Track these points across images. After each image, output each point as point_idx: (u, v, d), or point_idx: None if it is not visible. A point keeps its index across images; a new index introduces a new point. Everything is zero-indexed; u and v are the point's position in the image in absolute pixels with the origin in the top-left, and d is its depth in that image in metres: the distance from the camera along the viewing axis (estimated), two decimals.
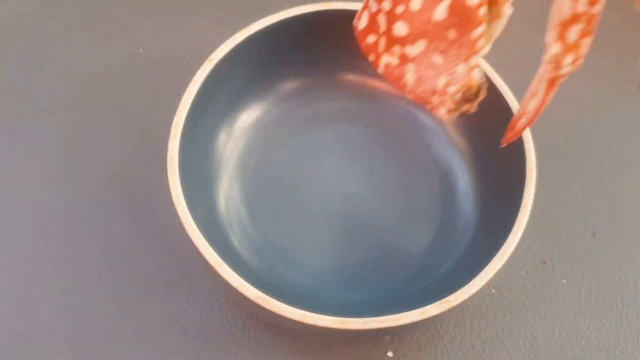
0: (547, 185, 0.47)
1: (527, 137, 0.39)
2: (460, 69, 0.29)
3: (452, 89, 0.29)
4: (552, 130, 0.50)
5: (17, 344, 0.39)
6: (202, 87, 0.40)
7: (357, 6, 0.43)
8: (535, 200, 0.36)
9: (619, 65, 0.55)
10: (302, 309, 0.32)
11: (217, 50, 0.41)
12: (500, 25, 0.28)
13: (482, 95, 0.30)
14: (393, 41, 0.30)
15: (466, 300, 0.33)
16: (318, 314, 0.32)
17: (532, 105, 0.29)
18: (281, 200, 0.44)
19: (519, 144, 0.39)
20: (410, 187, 0.44)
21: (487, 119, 0.42)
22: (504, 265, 0.35)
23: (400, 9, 0.29)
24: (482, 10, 0.26)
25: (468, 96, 0.29)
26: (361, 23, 0.32)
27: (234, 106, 0.45)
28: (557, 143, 0.50)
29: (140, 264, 0.42)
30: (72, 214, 0.44)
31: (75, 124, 0.48)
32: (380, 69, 0.32)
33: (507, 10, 0.27)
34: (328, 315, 0.32)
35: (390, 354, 0.40)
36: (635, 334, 0.41)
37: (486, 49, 0.29)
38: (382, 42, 0.31)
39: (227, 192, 0.43)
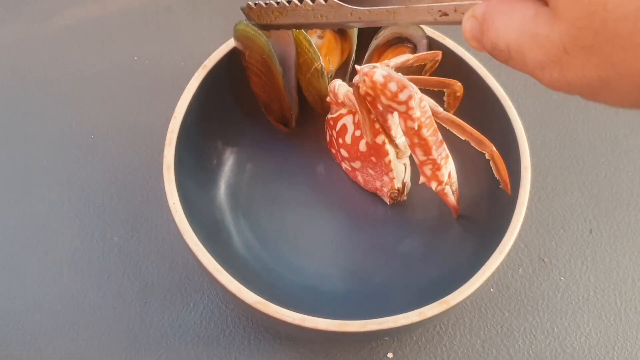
0: (543, 184, 0.47)
1: (522, 136, 0.39)
2: (385, 178, 0.41)
3: (385, 189, 0.42)
4: (547, 129, 0.50)
5: (18, 350, 0.39)
6: (196, 94, 0.40)
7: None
8: (531, 198, 0.36)
9: None
10: (301, 313, 0.32)
11: (211, 57, 0.41)
12: (404, 147, 0.40)
13: (407, 191, 0.43)
14: (342, 158, 0.43)
15: (464, 300, 0.33)
16: (317, 317, 0.32)
17: (452, 200, 0.41)
18: (278, 204, 0.44)
19: (513, 143, 0.39)
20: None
21: (481, 118, 0.42)
22: (501, 264, 0.35)
23: (340, 140, 0.42)
24: (387, 146, 0.39)
25: (396, 193, 0.42)
26: (327, 138, 0.44)
27: (228, 112, 0.45)
28: (553, 141, 0.50)
29: (140, 271, 0.42)
30: (70, 223, 0.44)
31: (72, 133, 0.48)
32: (343, 168, 0.45)
33: (398, 140, 0.38)
34: (327, 318, 0.32)
35: (390, 355, 0.40)
36: (634, 329, 0.41)
37: (405, 160, 0.41)
38: (338, 156, 0.44)
39: (224, 197, 0.43)
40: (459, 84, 0.39)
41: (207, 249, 0.34)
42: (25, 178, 0.46)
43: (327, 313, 0.33)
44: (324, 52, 0.43)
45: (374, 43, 0.43)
